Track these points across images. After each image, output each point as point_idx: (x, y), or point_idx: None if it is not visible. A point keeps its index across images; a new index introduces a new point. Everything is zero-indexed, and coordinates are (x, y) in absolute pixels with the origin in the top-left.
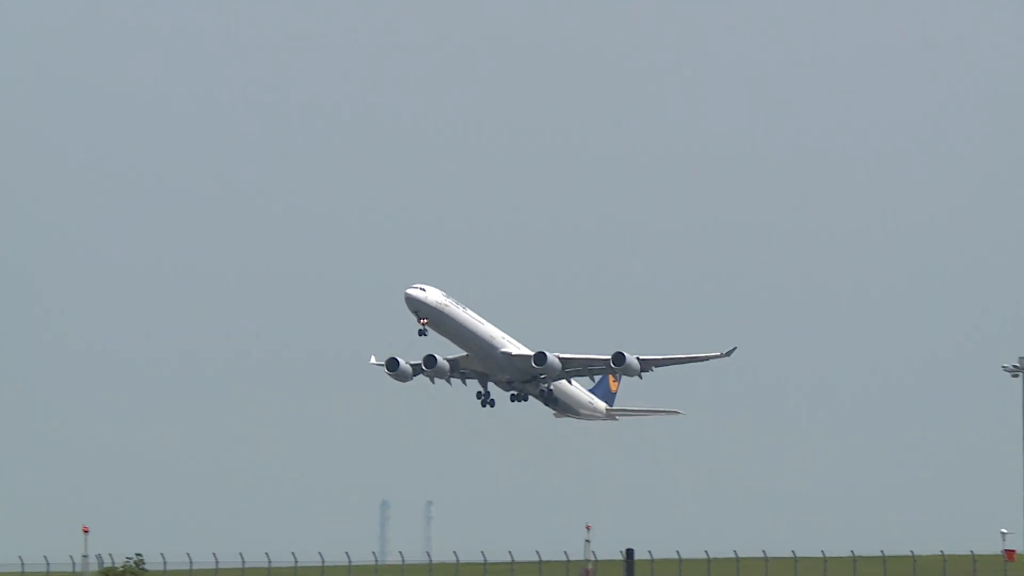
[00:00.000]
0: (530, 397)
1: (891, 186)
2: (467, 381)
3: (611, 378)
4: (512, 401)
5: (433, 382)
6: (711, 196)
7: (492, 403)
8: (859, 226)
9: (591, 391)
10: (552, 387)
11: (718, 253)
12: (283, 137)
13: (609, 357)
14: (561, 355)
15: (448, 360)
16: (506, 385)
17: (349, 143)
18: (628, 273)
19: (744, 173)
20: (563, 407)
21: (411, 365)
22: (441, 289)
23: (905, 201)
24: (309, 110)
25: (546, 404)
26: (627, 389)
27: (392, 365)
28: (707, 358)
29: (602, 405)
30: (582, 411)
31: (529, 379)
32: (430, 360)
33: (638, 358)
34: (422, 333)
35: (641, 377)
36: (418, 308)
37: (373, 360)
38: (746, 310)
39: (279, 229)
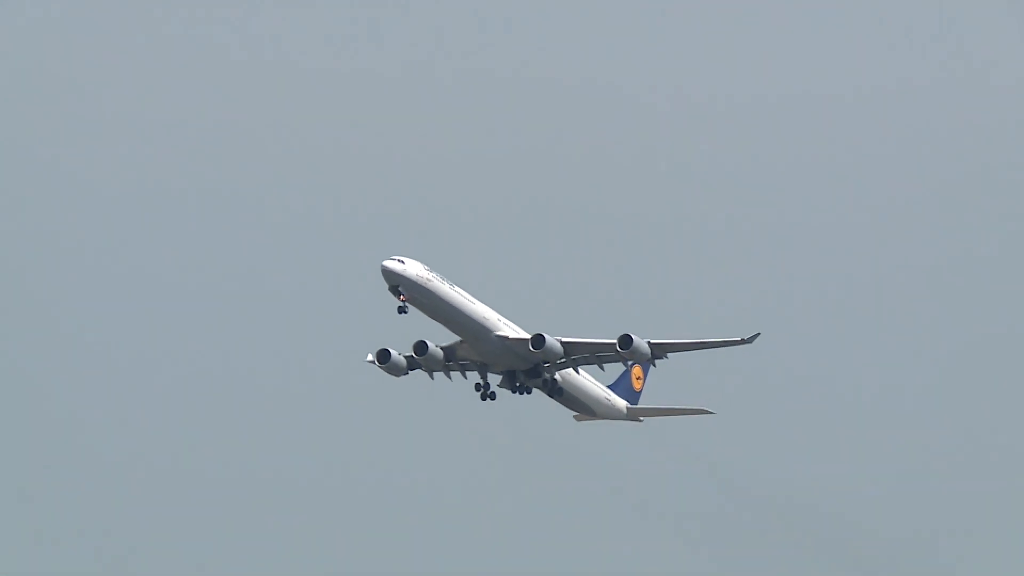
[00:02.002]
0: (535, 391)
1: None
2: (467, 374)
3: (634, 375)
4: (513, 392)
5: (432, 377)
6: (733, 176)
7: (493, 396)
8: (892, 201)
9: (611, 388)
10: (560, 378)
11: (742, 231)
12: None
13: (615, 341)
14: (563, 339)
15: (442, 348)
16: (508, 379)
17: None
18: (644, 254)
19: (770, 143)
20: (572, 401)
21: (405, 357)
22: (425, 264)
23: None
24: (285, 84)
25: (551, 396)
26: (654, 387)
27: (383, 357)
28: (726, 344)
29: (622, 403)
30: (598, 408)
31: (531, 368)
32: (420, 347)
33: (649, 342)
34: (402, 311)
35: (654, 364)
36: (396, 282)
37: (370, 357)
38: (772, 293)
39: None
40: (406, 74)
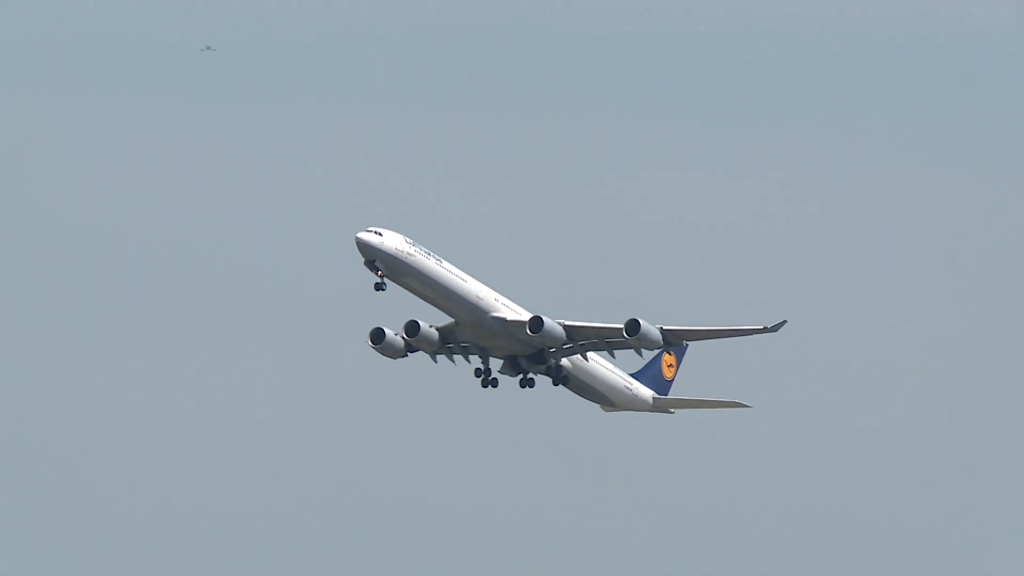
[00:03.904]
0: (537, 379)
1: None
2: (470, 357)
3: (665, 362)
4: (522, 387)
5: (435, 359)
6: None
7: (495, 383)
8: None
9: (636, 376)
10: (570, 364)
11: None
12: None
13: (622, 325)
14: (565, 322)
15: (438, 329)
16: (510, 365)
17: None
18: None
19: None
20: (585, 390)
21: (404, 338)
22: (407, 236)
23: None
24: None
25: (555, 384)
26: (688, 376)
27: (377, 337)
28: (749, 332)
29: (647, 393)
30: (617, 399)
31: (534, 353)
32: (412, 327)
33: (661, 328)
34: (379, 287)
35: (670, 352)
36: (372, 256)
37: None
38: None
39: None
40: (405, 41)
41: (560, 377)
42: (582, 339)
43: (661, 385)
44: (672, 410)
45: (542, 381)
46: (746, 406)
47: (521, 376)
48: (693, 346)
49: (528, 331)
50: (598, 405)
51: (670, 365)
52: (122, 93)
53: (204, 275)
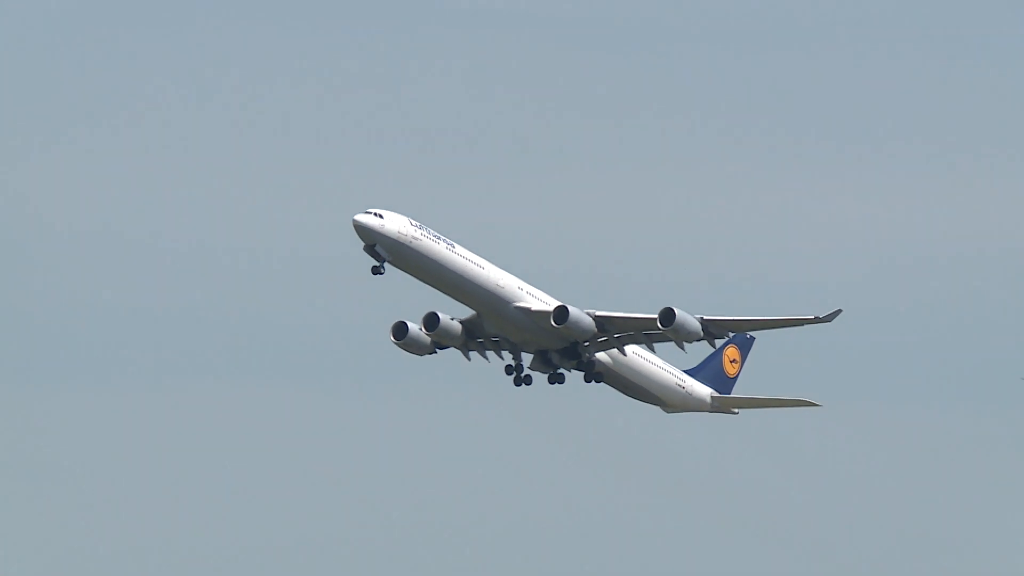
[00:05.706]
0: (569, 375)
1: None
2: (502, 352)
3: (727, 357)
4: (550, 383)
5: (467, 355)
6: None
7: (528, 380)
8: None
9: (692, 373)
10: (607, 359)
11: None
12: None
13: (656, 316)
14: (595, 312)
15: (461, 322)
16: (541, 361)
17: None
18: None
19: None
20: (628, 388)
21: (429, 334)
22: (413, 219)
23: None
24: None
25: (587, 380)
26: (753, 372)
27: (400, 332)
28: (799, 322)
29: (704, 391)
30: (668, 397)
31: (567, 347)
32: (431, 320)
33: (700, 318)
34: (377, 271)
35: (713, 344)
36: (373, 240)
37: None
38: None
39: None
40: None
41: (593, 373)
42: (615, 330)
43: (723, 383)
44: (736, 410)
45: (575, 378)
46: (815, 405)
47: (550, 372)
48: (758, 338)
49: (553, 322)
50: (657, 407)
51: (733, 360)
52: None
53: (207, 275)
